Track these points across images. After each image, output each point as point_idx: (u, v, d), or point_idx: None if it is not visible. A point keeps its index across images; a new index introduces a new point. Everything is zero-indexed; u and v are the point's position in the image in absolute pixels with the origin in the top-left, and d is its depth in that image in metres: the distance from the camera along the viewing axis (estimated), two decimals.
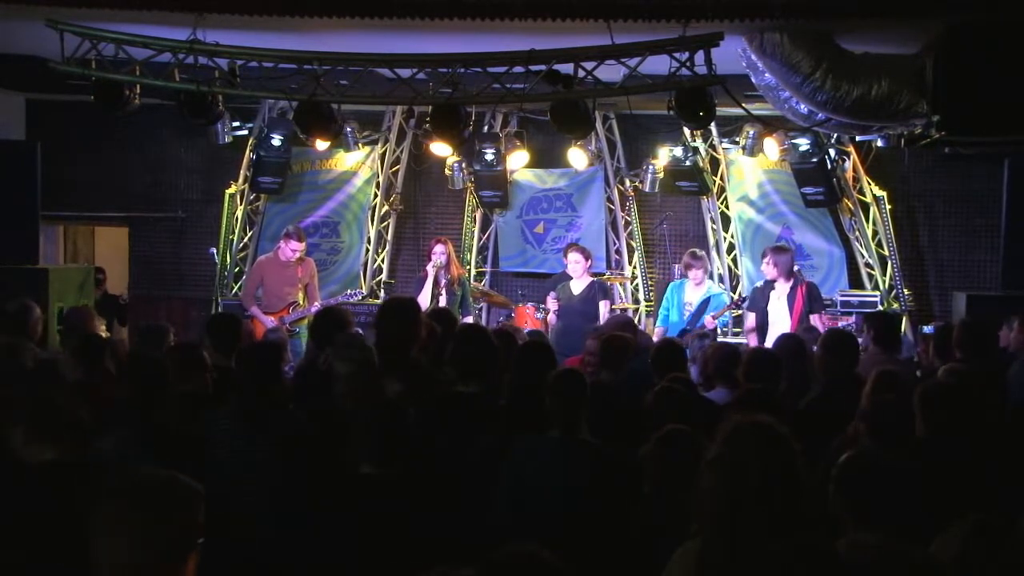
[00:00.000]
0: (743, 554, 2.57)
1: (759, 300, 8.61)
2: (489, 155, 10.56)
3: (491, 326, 9.62)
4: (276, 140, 10.34)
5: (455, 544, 3.28)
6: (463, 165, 10.96)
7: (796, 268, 8.64)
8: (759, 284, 9.07)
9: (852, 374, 5.36)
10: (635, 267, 11.21)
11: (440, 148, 10.03)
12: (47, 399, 3.63)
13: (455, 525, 3.68)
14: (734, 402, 4.91)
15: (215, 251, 10.76)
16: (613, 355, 5.69)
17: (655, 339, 8.75)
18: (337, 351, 4.93)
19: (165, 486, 2.23)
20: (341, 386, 4.71)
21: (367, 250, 11.54)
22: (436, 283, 8.89)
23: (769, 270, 8.49)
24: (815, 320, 8.39)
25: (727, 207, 10.92)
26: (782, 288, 8.46)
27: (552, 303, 9.07)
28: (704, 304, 8.87)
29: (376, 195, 11.50)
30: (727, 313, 9.13)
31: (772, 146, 9.99)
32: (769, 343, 8.09)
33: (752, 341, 8.40)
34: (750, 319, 8.70)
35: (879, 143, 9.49)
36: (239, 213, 11.12)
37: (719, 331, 9.14)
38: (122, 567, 2.14)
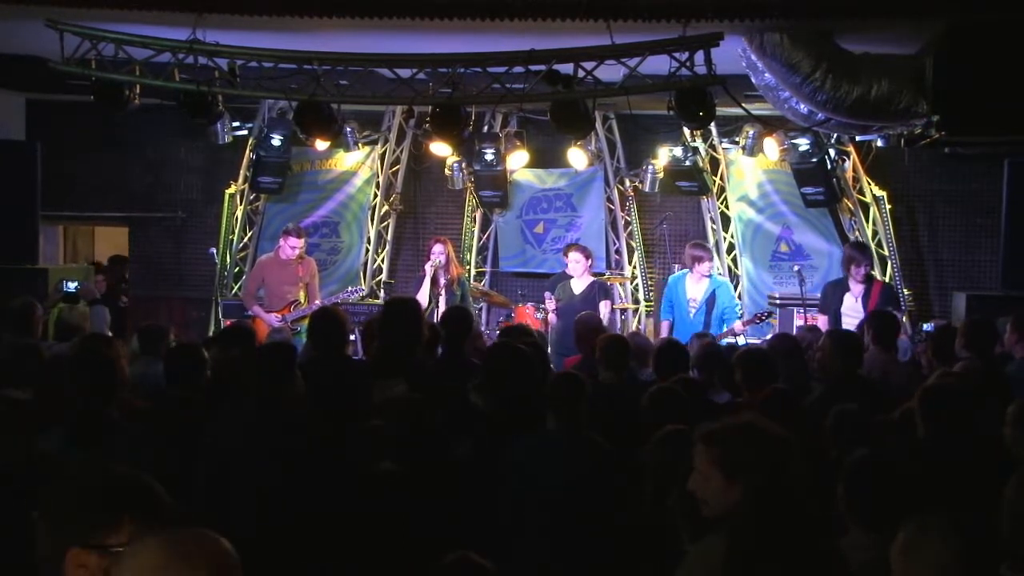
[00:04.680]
0: (768, 555, 2.52)
1: (831, 301, 8.29)
2: (489, 155, 10.55)
3: (490, 327, 9.63)
4: (276, 140, 10.33)
5: (458, 540, 3.28)
6: (463, 165, 10.96)
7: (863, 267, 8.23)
8: (831, 282, 8.72)
9: (855, 375, 5.34)
10: (635, 267, 11.20)
11: (440, 148, 10.03)
12: None
13: (459, 521, 3.68)
14: (757, 404, 4.69)
15: (215, 251, 10.75)
16: (613, 356, 5.68)
17: (663, 333, 8.70)
18: None
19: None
20: None
21: (367, 250, 11.54)
22: (435, 283, 8.86)
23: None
24: None
25: (727, 207, 10.91)
26: (856, 289, 8.20)
27: (550, 302, 8.99)
28: (712, 298, 8.68)
29: (376, 195, 11.50)
30: (757, 323, 8.77)
31: (772, 146, 9.98)
32: None
33: None
34: (821, 321, 8.27)
35: (879, 143, 9.48)
36: (239, 213, 11.12)
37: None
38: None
